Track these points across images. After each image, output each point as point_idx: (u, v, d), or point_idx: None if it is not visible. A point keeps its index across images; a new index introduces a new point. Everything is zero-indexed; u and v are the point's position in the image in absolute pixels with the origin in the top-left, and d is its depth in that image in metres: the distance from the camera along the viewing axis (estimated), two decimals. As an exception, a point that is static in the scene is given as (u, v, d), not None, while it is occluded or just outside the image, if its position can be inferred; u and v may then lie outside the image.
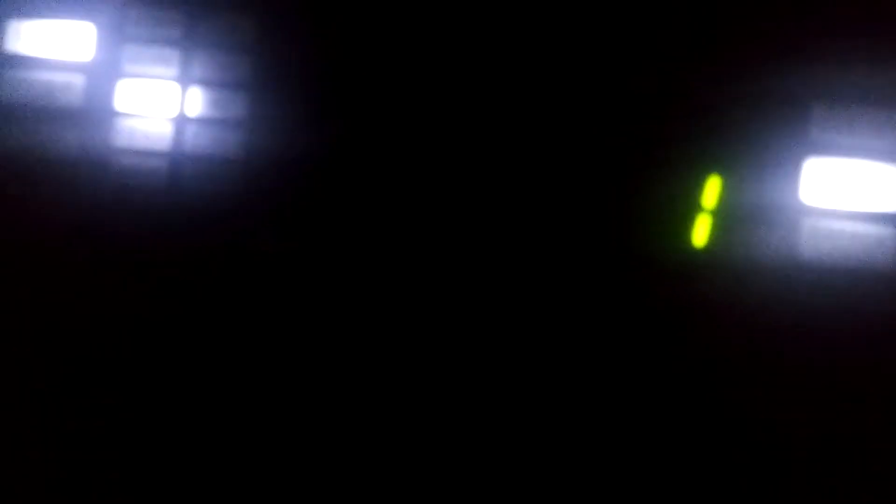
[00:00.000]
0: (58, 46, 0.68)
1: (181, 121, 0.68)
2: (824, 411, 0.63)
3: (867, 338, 0.62)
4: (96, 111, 0.68)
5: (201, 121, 0.68)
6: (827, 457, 0.63)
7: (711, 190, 0.65)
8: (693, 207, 0.65)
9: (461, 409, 0.66)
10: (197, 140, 0.68)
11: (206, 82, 0.68)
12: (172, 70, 0.68)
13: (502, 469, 0.65)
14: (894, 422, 0.62)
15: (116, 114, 0.68)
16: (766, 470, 0.64)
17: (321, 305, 0.67)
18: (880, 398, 0.63)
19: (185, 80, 0.68)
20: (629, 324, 0.65)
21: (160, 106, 0.68)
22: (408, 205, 0.67)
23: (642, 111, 0.65)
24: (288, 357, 0.67)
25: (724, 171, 0.65)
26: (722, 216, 0.65)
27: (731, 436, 0.64)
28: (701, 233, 0.65)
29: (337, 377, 0.67)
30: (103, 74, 0.68)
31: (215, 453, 0.66)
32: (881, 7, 0.62)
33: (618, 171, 0.65)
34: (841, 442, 0.63)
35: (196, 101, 0.68)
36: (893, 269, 0.62)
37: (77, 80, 0.68)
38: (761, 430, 0.64)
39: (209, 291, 0.67)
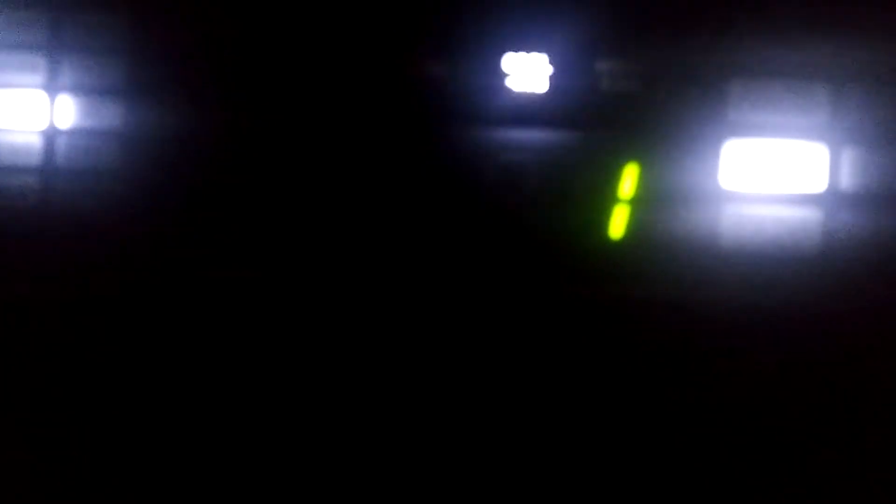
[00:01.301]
0: None
1: (52, 132, 0.62)
2: (746, 398, 0.62)
3: (790, 323, 0.61)
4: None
5: (74, 131, 0.62)
6: (750, 450, 0.61)
7: (629, 178, 0.62)
8: (610, 197, 0.63)
9: (382, 401, 0.62)
10: (70, 152, 0.62)
11: (76, 89, 0.62)
12: (39, 78, 0.62)
13: (426, 468, 0.62)
14: (815, 405, 0.61)
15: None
16: (690, 460, 0.62)
17: (206, 315, 0.62)
18: (804, 383, 0.61)
19: (53, 89, 0.62)
20: (547, 316, 0.63)
21: (28, 117, 0.62)
22: (299, 202, 0.62)
23: (557, 100, 0.62)
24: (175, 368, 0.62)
25: (641, 159, 0.62)
26: (640, 205, 0.62)
27: (650, 427, 0.62)
28: (619, 223, 0.63)
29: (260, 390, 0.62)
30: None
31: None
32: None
33: (534, 161, 0.62)
34: (764, 431, 0.62)
35: (67, 111, 0.62)
36: (817, 251, 0.61)
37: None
38: (681, 420, 0.62)
39: (86, 309, 0.62)
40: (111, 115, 0.62)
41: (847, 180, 0.61)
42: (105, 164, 0.62)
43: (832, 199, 0.61)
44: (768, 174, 0.61)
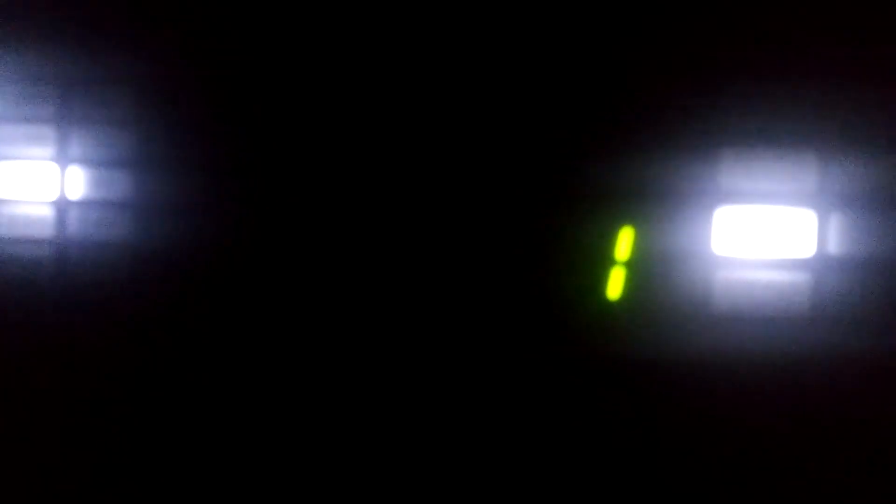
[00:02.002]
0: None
1: (63, 203, 0.64)
2: (744, 464, 0.64)
3: (784, 387, 0.63)
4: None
5: (85, 203, 0.63)
6: None
7: (624, 241, 0.64)
8: (606, 259, 0.64)
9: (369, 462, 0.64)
10: (81, 224, 0.63)
11: (86, 161, 0.63)
12: (50, 150, 0.63)
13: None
14: (809, 467, 0.63)
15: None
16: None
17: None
18: (801, 445, 0.63)
19: (63, 160, 0.63)
20: (543, 378, 0.64)
21: (39, 189, 0.63)
22: (310, 286, 0.64)
23: (553, 162, 0.64)
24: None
25: (636, 222, 0.64)
26: (635, 267, 0.64)
27: (644, 487, 0.64)
28: (615, 285, 0.64)
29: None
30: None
31: None
32: (787, 51, 0.62)
33: (529, 223, 0.64)
34: (757, 494, 0.63)
35: (78, 182, 0.63)
36: (806, 315, 0.63)
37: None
38: (673, 481, 0.64)
39: (103, 378, 0.64)
40: (122, 187, 0.64)
41: (835, 245, 0.63)
42: (116, 236, 0.63)
43: (821, 263, 0.63)
44: (759, 240, 0.63)
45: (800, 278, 0.63)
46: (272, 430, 0.64)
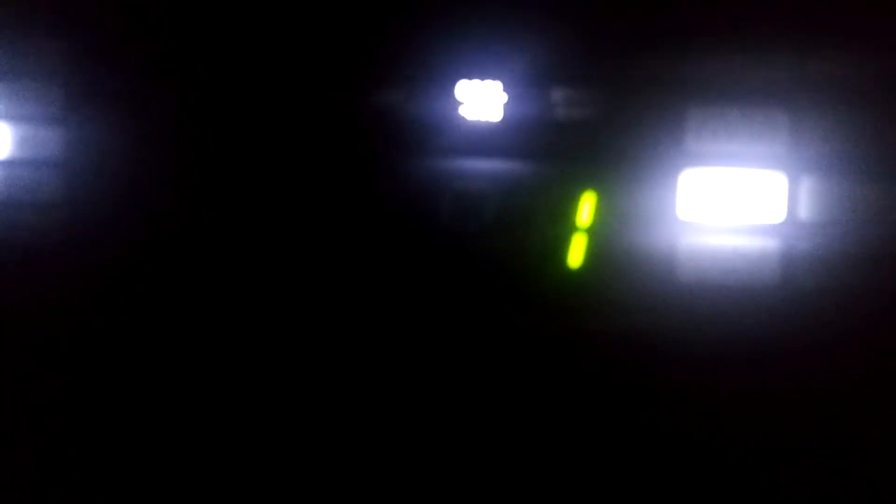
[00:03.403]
0: None
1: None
2: (706, 432, 0.61)
3: (753, 359, 0.60)
4: None
5: (13, 162, 0.60)
6: (707, 485, 0.61)
7: (586, 206, 0.61)
8: (568, 226, 0.61)
9: (335, 437, 0.61)
10: (7, 183, 0.60)
11: (15, 117, 0.60)
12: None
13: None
14: (776, 438, 0.61)
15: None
16: (645, 494, 0.61)
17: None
18: (764, 416, 0.61)
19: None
20: (503, 349, 0.61)
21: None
22: (247, 235, 0.61)
23: (513, 128, 0.60)
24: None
25: (598, 187, 0.61)
26: (597, 234, 0.61)
27: (610, 460, 0.61)
28: (576, 252, 0.61)
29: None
30: None
31: None
32: (753, 9, 0.59)
33: (488, 189, 0.61)
34: (721, 466, 0.61)
35: (3, 140, 0.60)
36: (779, 284, 0.60)
37: None
38: (640, 452, 0.61)
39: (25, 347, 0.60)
40: (50, 145, 0.60)
41: (807, 210, 0.60)
42: (44, 196, 0.60)
43: (791, 229, 0.60)
44: (726, 204, 0.60)
45: (769, 245, 0.60)
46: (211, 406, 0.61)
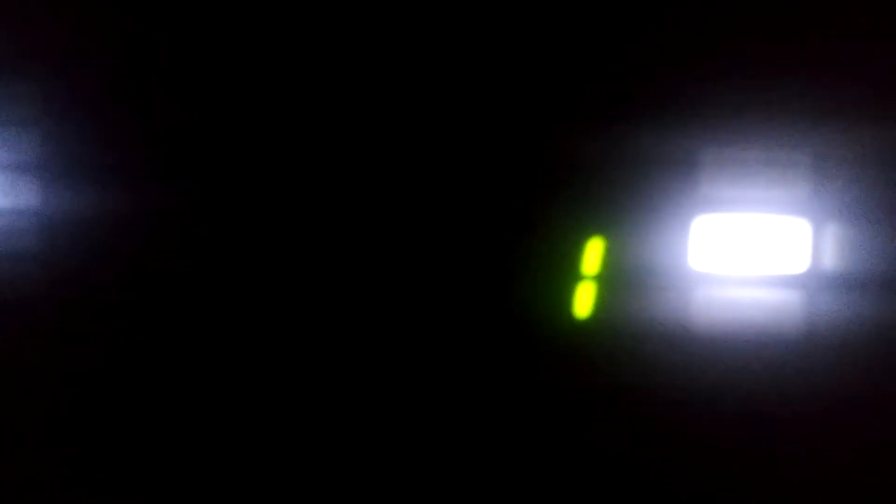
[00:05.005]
0: None
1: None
2: (720, 488, 0.57)
3: (766, 411, 0.56)
4: None
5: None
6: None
7: (593, 254, 0.57)
8: (574, 273, 0.57)
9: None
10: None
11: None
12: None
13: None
14: (796, 497, 0.57)
15: None
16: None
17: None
18: (782, 472, 0.57)
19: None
20: (507, 400, 0.58)
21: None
22: (238, 300, 0.58)
23: (520, 171, 0.57)
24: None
25: (606, 234, 0.57)
26: (605, 282, 0.57)
27: None
28: (583, 301, 0.58)
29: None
30: None
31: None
32: (766, 57, 0.54)
33: (493, 232, 0.57)
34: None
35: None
36: (800, 339, 0.55)
37: None
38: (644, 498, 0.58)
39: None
40: (30, 194, 0.58)
41: (831, 259, 0.55)
42: (24, 246, 0.57)
43: (815, 280, 0.56)
44: (743, 253, 0.56)
45: (791, 297, 0.56)
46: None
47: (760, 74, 0.55)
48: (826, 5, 0.54)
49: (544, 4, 0.56)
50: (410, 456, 0.59)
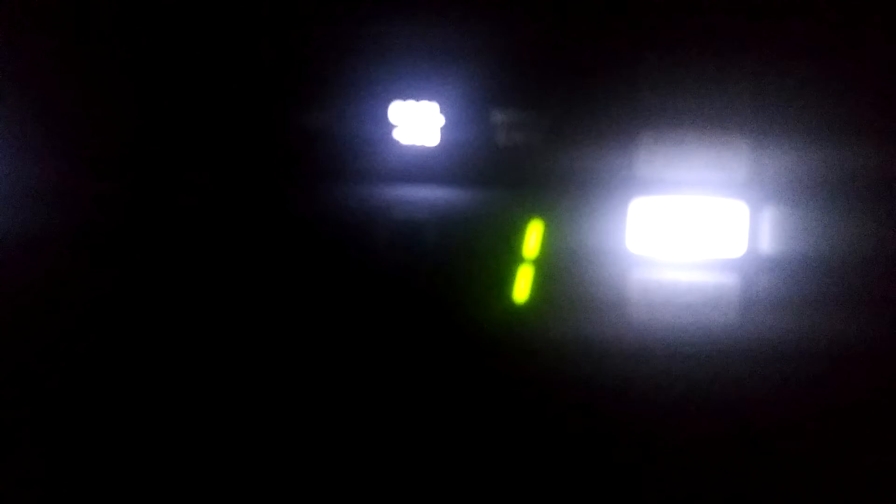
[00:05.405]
0: None
1: None
2: (655, 474, 0.56)
3: (701, 394, 0.55)
4: None
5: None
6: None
7: (532, 237, 0.57)
8: (513, 257, 0.57)
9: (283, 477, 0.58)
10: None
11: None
12: None
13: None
14: (727, 480, 0.56)
15: None
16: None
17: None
18: (715, 458, 0.56)
19: None
20: (447, 384, 0.57)
21: None
22: (182, 266, 0.57)
23: (458, 155, 0.56)
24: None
25: (544, 217, 0.57)
26: (544, 265, 0.57)
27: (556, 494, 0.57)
28: (522, 285, 0.57)
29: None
30: None
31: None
32: (716, 20, 0.54)
33: (432, 220, 0.57)
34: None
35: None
36: (736, 322, 0.55)
37: None
38: (586, 495, 0.57)
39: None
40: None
41: (769, 242, 0.55)
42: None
43: (752, 263, 0.55)
44: (680, 236, 0.56)
45: (728, 280, 0.55)
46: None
47: (699, 55, 0.54)
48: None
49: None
50: (355, 443, 0.58)
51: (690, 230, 0.55)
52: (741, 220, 0.55)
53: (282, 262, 0.57)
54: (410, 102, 0.56)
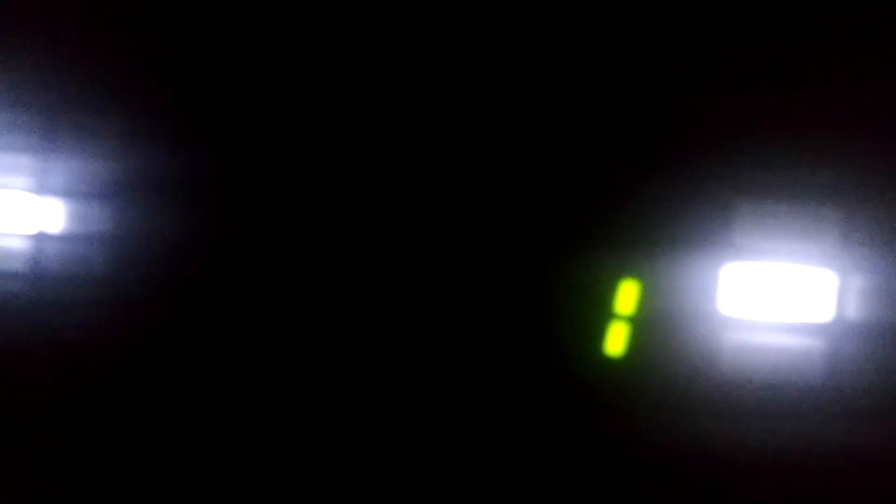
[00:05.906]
0: None
1: (41, 237, 0.61)
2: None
3: (789, 459, 0.58)
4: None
5: (63, 236, 0.61)
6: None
7: (627, 294, 0.60)
8: (607, 313, 0.60)
9: None
10: (60, 257, 0.61)
11: (66, 193, 0.61)
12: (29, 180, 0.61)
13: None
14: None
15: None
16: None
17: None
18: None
19: (43, 191, 0.61)
20: (541, 439, 0.60)
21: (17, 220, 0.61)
22: (292, 325, 0.61)
23: (553, 212, 0.59)
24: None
25: (641, 276, 0.59)
26: (638, 323, 0.60)
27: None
28: (616, 341, 0.60)
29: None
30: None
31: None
32: (802, 106, 0.57)
33: (527, 270, 0.60)
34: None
35: (57, 214, 0.61)
36: (823, 386, 0.57)
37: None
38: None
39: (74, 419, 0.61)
40: (102, 220, 0.61)
41: (855, 310, 0.58)
42: (94, 271, 0.61)
43: (839, 329, 0.58)
44: (771, 300, 0.58)
45: (815, 344, 0.58)
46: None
47: (794, 132, 0.57)
48: (862, 62, 0.57)
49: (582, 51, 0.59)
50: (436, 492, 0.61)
51: (780, 295, 0.58)
52: (830, 287, 0.58)
53: (357, 310, 0.60)
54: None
